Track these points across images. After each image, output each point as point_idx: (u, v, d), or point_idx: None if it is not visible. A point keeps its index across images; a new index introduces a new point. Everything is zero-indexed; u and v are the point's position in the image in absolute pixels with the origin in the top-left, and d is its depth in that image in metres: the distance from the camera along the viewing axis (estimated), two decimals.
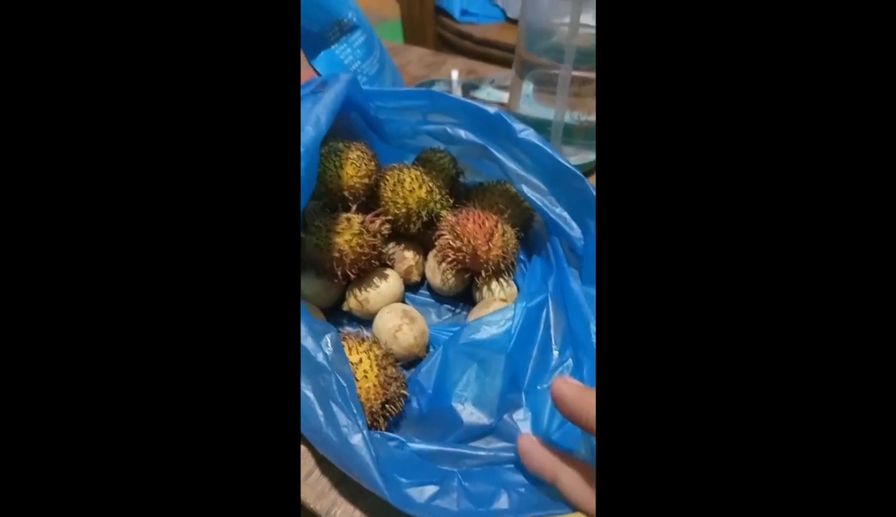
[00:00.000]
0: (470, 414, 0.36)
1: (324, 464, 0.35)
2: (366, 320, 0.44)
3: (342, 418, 0.29)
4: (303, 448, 0.35)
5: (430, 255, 0.46)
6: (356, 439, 0.28)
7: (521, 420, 0.37)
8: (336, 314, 0.45)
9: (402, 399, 0.36)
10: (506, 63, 0.98)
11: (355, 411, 0.29)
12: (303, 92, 0.42)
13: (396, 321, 0.40)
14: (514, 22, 1.27)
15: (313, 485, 0.34)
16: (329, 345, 0.32)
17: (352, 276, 0.41)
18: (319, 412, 0.29)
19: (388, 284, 0.43)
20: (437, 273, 0.44)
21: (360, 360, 0.34)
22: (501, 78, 0.77)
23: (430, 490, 0.30)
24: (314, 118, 0.37)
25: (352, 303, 0.43)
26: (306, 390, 0.30)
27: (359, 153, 0.42)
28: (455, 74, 0.73)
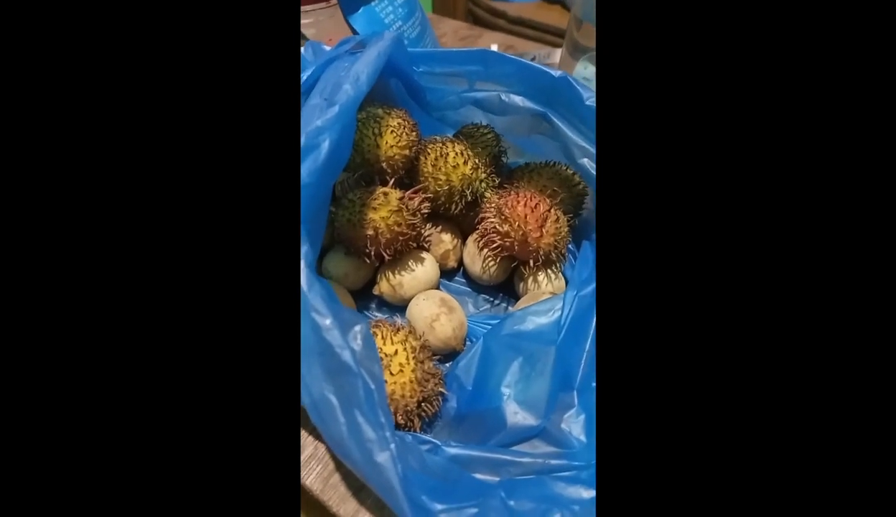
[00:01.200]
0: (514, 413, 0.33)
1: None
2: (397, 306, 0.40)
3: (367, 431, 0.25)
4: (325, 446, 0.32)
5: (470, 240, 0.42)
6: (382, 457, 0.24)
7: (574, 422, 0.33)
8: (364, 297, 0.42)
9: (439, 398, 0.32)
10: (540, 43, 0.93)
11: (383, 420, 0.25)
12: (338, 51, 0.38)
13: (434, 310, 0.36)
14: (550, 1, 1.22)
15: (336, 487, 0.31)
16: (358, 339, 0.27)
17: (386, 257, 0.37)
18: (342, 419, 0.25)
19: (424, 269, 0.39)
20: (478, 260, 0.40)
21: (396, 352, 0.31)
22: (543, 55, 0.72)
23: (468, 513, 0.26)
24: (353, 76, 0.32)
25: (383, 286, 0.39)
26: (328, 393, 0.25)
27: (400, 121, 0.38)
28: (495, 49, 0.68)
